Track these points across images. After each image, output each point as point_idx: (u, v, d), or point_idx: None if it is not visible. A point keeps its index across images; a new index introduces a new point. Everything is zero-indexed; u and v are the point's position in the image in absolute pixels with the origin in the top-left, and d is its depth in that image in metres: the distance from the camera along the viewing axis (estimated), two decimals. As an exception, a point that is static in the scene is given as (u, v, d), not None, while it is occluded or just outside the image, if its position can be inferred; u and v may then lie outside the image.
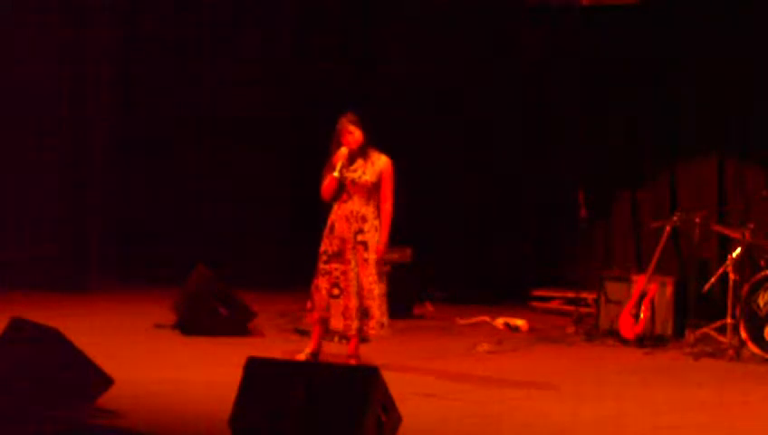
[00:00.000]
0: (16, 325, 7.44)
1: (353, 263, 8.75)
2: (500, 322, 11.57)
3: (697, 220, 10.53)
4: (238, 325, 10.51)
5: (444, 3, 13.44)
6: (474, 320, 11.75)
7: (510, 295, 12.82)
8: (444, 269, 13.01)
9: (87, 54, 13.55)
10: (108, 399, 7.33)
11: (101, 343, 8.71)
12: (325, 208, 9.00)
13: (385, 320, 8.86)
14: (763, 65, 11.66)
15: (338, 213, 8.83)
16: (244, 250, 13.78)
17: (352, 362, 8.82)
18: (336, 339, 9.87)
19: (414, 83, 13.44)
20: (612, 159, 12.77)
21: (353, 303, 8.74)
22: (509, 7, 13.19)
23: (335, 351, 9.32)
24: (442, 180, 13.35)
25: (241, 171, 14.01)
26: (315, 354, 8.99)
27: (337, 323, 8.83)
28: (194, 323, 10.46)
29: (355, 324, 8.77)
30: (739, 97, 11.86)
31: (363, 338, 8.94)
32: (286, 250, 13.80)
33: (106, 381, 7.35)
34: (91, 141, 13.77)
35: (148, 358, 9.36)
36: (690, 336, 10.40)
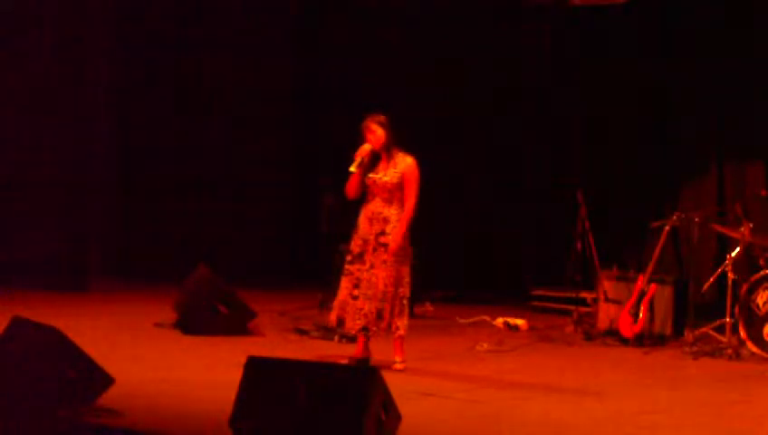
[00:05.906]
0: (16, 325, 7.44)
1: (369, 265, 8.66)
2: (500, 321, 11.57)
3: (697, 220, 10.54)
4: (238, 325, 10.51)
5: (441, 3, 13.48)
6: (474, 320, 11.76)
7: (510, 295, 12.83)
8: (444, 269, 13.00)
9: (86, 56, 13.57)
10: (108, 398, 7.32)
11: (102, 343, 8.73)
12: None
13: (397, 323, 8.70)
14: (756, 62, 11.66)
15: (363, 213, 8.77)
16: (244, 250, 13.79)
17: (344, 361, 8.76)
18: (336, 339, 9.89)
19: (413, 83, 13.44)
20: (612, 159, 12.78)
21: (362, 304, 8.65)
22: (506, 7, 13.20)
23: (338, 352, 9.35)
24: (442, 180, 13.34)
25: (241, 170, 14.02)
26: (362, 361, 8.83)
27: (353, 323, 8.74)
28: (194, 322, 10.46)
29: (360, 325, 8.68)
30: (737, 96, 11.86)
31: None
32: (286, 250, 13.80)
33: (106, 381, 7.35)
34: (91, 141, 13.78)
35: (148, 357, 9.36)
36: (689, 336, 10.40)
